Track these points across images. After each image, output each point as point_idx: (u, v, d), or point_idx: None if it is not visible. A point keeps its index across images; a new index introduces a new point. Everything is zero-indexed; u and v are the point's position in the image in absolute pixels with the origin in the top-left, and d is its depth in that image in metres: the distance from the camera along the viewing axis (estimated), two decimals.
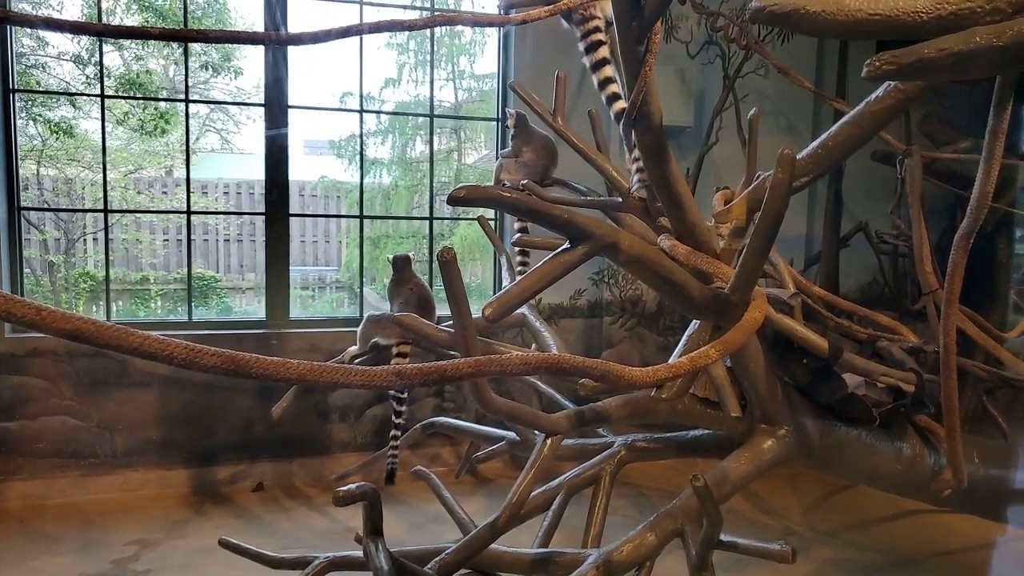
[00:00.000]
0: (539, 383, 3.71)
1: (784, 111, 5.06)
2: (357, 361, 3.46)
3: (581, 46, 2.33)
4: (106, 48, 6.07)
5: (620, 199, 2.87)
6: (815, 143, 2.16)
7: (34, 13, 7.17)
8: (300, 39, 1.82)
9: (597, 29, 2.29)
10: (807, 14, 1.29)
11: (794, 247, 5.05)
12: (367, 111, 9.57)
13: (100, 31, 2.74)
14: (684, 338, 2.44)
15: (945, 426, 2.20)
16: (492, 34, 5.12)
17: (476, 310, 1.79)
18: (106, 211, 4.49)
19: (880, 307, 3.70)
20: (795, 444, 2.54)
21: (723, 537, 2.09)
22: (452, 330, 2.20)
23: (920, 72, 1.25)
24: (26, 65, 7.48)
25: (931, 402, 2.48)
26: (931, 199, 4.36)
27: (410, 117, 9.46)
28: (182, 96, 4.64)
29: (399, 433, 3.54)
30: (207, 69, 8.80)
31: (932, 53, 1.23)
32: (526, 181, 3.34)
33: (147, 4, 7.92)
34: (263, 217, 4.37)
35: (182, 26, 5.25)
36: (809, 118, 5.13)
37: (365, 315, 3.61)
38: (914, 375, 2.52)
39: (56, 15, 7.39)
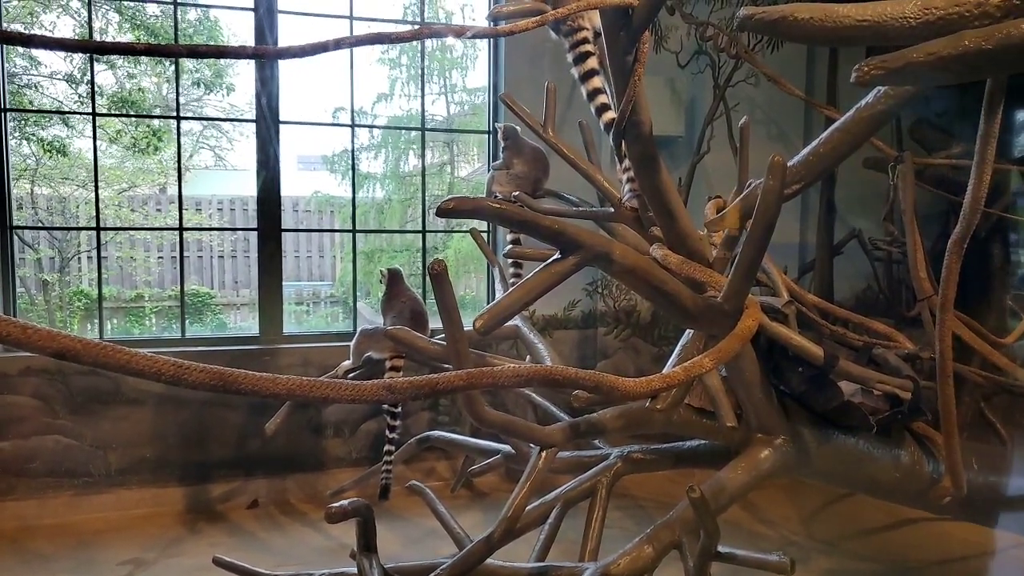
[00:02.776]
0: (534, 395, 3.69)
1: (775, 119, 5.07)
2: (350, 375, 3.44)
3: (570, 57, 2.33)
4: (98, 67, 6.07)
5: (612, 209, 2.86)
6: (806, 150, 2.16)
7: (23, 32, 7.17)
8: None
9: (586, 40, 2.28)
10: (795, 21, 1.28)
11: (788, 255, 5.05)
12: (359, 125, 9.61)
13: (83, 47, 2.73)
14: (678, 348, 2.42)
15: (943, 433, 2.19)
16: (483, 47, 5.13)
17: (471, 323, 1.77)
18: (98, 229, 4.50)
19: (875, 314, 3.69)
20: (792, 453, 2.53)
21: (721, 548, 2.07)
22: (445, 343, 2.19)
23: (909, 76, 1.25)
24: (19, 85, 7.49)
25: (928, 409, 2.47)
26: (924, 205, 4.37)
27: (402, 131, 9.49)
28: (175, 114, 4.63)
29: (393, 448, 3.51)
30: (199, 86, 8.81)
31: (921, 57, 1.23)
32: (518, 193, 3.34)
33: (139, 22, 7.94)
34: (256, 233, 4.36)
35: (173, 43, 5.25)
36: (800, 126, 5.15)
37: (358, 329, 3.60)
38: (911, 382, 2.50)
39: (48, 35, 7.39)
